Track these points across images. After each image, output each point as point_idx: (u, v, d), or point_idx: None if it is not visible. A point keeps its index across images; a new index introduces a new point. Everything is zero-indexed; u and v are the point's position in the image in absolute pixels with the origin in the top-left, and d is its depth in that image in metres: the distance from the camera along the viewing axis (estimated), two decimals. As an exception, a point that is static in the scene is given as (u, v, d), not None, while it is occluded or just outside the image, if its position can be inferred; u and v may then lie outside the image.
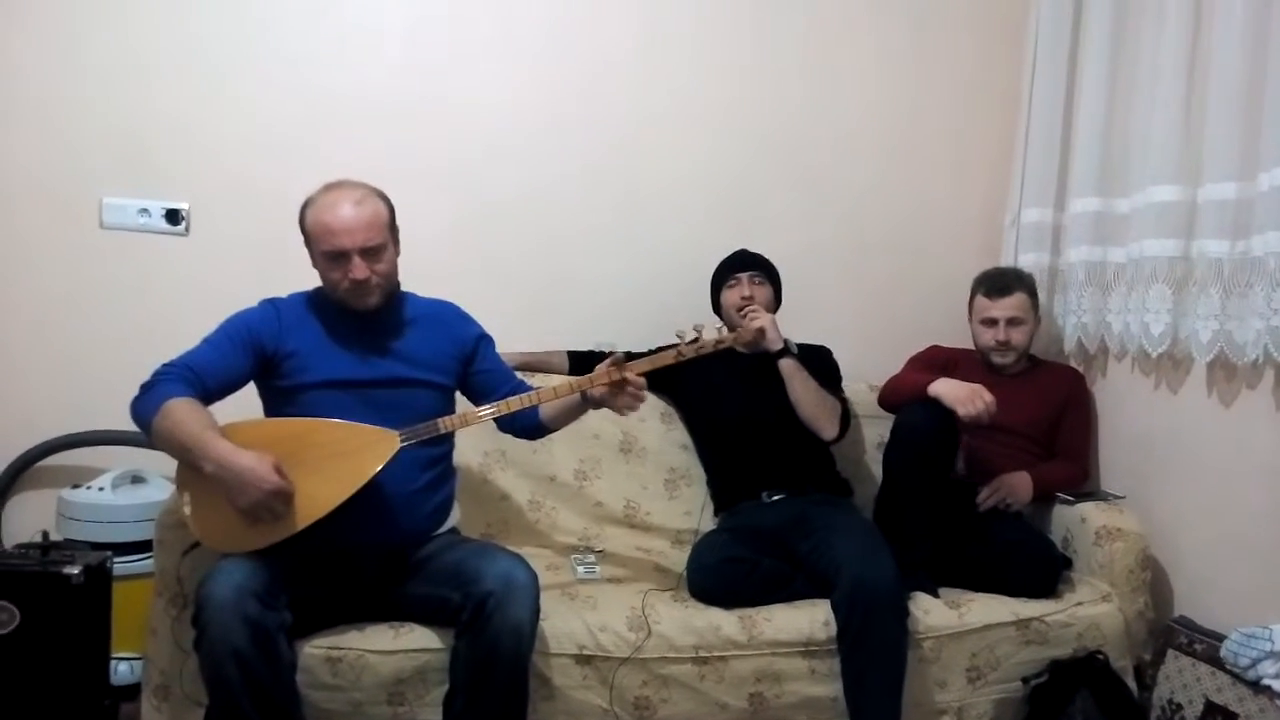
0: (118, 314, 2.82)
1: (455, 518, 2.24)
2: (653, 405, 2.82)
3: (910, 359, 2.81)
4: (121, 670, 2.46)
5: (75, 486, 2.63)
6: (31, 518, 2.70)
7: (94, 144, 2.78)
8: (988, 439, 2.63)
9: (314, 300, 2.17)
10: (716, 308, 2.78)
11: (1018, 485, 2.60)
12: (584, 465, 2.77)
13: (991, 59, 3.18)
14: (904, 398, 2.54)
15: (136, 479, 2.68)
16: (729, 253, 2.80)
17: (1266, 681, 2.09)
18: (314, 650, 2.00)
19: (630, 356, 2.14)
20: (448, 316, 2.29)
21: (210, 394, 2.00)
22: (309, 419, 2.04)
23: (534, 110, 2.98)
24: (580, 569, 2.46)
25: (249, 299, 2.17)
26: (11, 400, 2.79)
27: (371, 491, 1.98)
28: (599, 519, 2.74)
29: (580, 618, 2.15)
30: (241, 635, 1.77)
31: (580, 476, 2.77)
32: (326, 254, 2.06)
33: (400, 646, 2.03)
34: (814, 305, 3.00)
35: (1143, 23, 2.64)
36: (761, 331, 2.59)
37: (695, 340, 2.18)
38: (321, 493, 1.93)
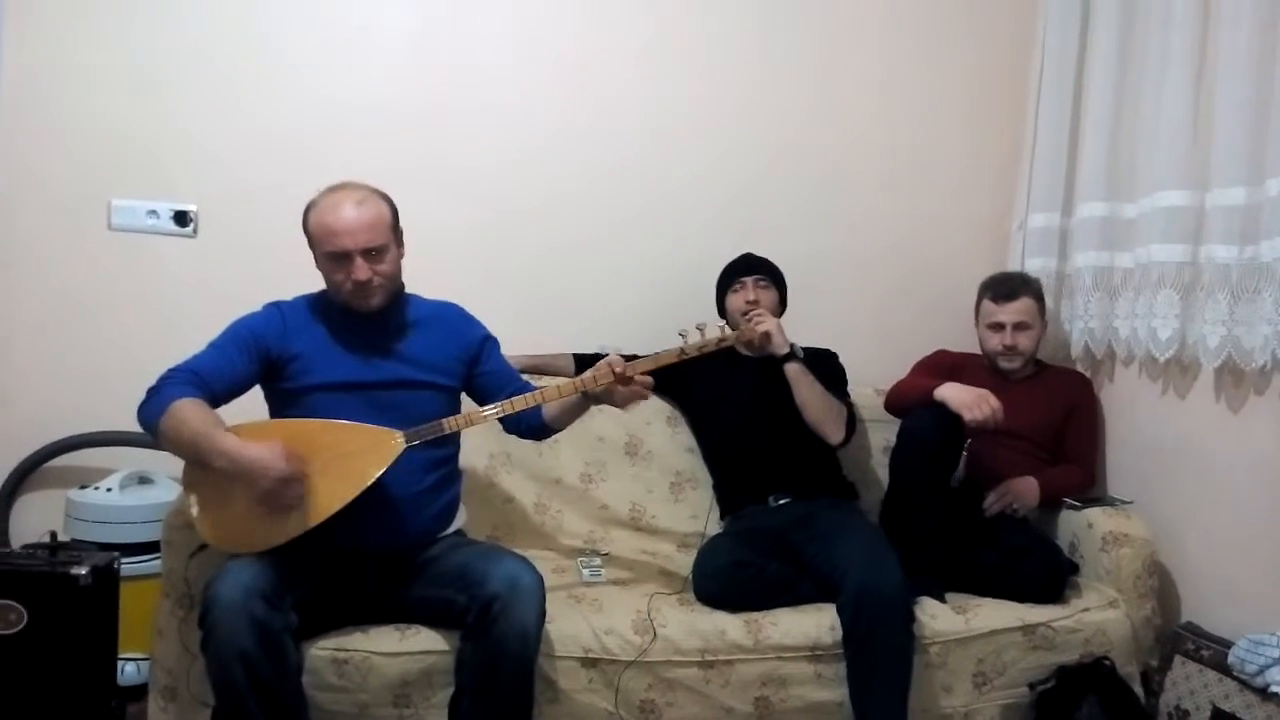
0: (125, 315, 2.83)
1: (461, 519, 2.24)
2: (658, 408, 2.82)
3: (917, 364, 2.81)
4: (128, 671, 2.47)
5: (83, 487, 2.64)
6: (39, 518, 2.71)
7: (102, 146, 2.79)
8: (994, 444, 2.62)
9: (319, 303, 2.18)
10: (722, 312, 2.78)
11: (1024, 490, 2.60)
12: (590, 468, 2.77)
13: (999, 64, 3.18)
14: (910, 402, 2.54)
15: (144, 480, 2.69)
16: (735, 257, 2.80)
17: (1274, 688, 2.08)
18: (320, 652, 2.00)
19: (632, 359, 2.14)
20: (452, 318, 2.30)
21: (216, 397, 2.01)
22: (314, 420, 2.05)
23: (542, 117, 2.98)
24: (586, 572, 2.46)
25: (256, 300, 2.18)
26: (20, 401, 2.80)
27: (377, 493, 1.98)
28: (605, 522, 2.74)
29: (586, 621, 2.16)
30: (248, 637, 1.78)
31: (586, 479, 2.77)
32: (329, 255, 2.06)
33: (406, 648, 2.03)
34: (820, 309, 2.99)
35: (1150, 28, 2.64)
36: (767, 335, 2.59)
37: (698, 339, 2.18)
38: (327, 494, 1.93)
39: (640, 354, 2.24)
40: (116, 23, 2.77)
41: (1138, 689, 2.34)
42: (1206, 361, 2.38)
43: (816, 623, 2.21)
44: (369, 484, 1.95)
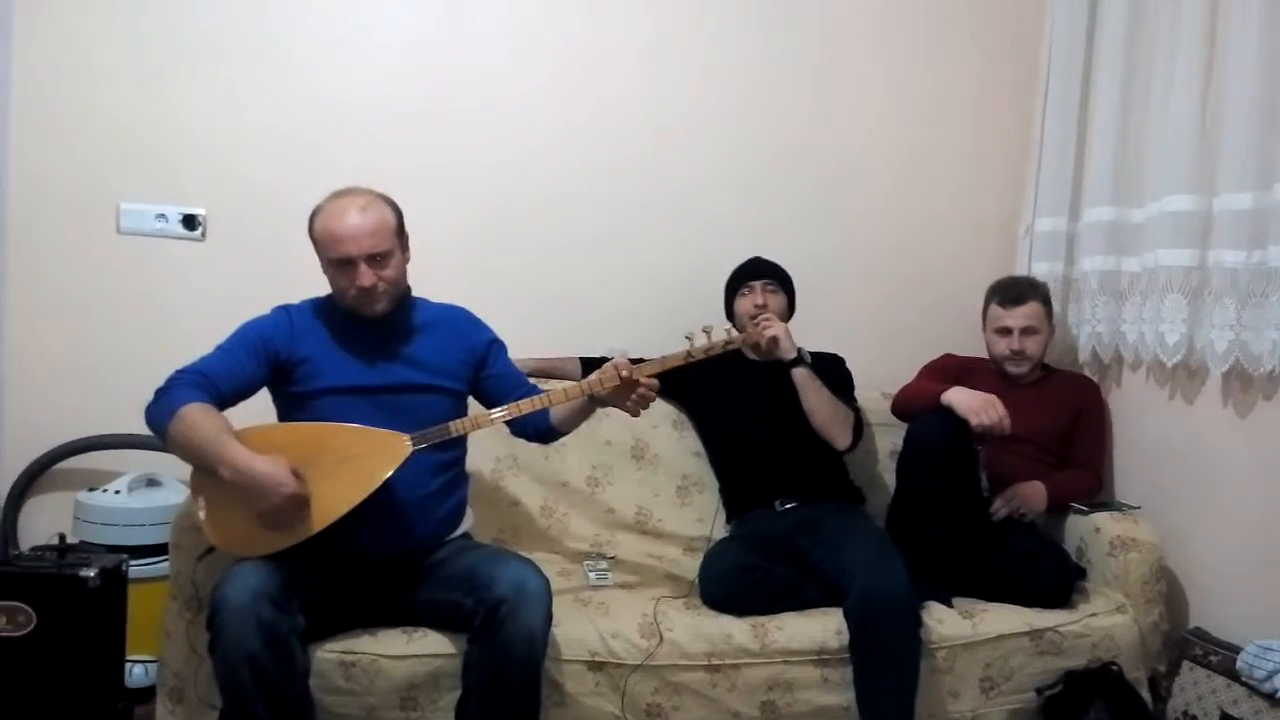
0: (134, 318, 2.84)
1: (469, 523, 2.25)
2: (665, 412, 2.82)
3: (924, 367, 2.80)
4: (136, 673, 2.47)
5: (91, 489, 2.65)
6: (48, 520, 2.72)
7: (111, 149, 2.80)
8: (1002, 448, 2.61)
9: (326, 306, 2.18)
10: (730, 315, 2.78)
11: (1032, 495, 2.60)
12: (596, 471, 2.78)
13: (1006, 67, 3.17)
14: (917, 407, 2.54)
15: (152, 482, 2.70)
16: (743, 260, 2.80)
17: (1283, 694, 2.08)
18: (327, 654, 2.01)
19: (638, 363, 2.14)
20: (459, 321, 2.30)
21: (224, 400, 2.02)
22: (322, 424, 2.05)
23: (548, 118, 2.99)
24: (592, 575, 2.47)
25: (264, 304, 2.19)
26: (28, 403, 2.81)
27: (384, 496, 1.99)
28: (611, 525, 2.74)
29: (592, 624, 2.16)
30: (256, 639, 1.78)
31: (592, 483, 2.77)
32: (333, 261, 2.07)
33: (413, 651, 2.04)
34: (828, 313, 3.00)
35: (1157, 31, 2.63)
36: (775, 340, 2.59)
37: (704, 341, 2.18)
38: (335, 497, 1.93)
39: (646, 357, 2.24)
40: (124, 26, 2.78)
41: (1145, 694, 2.33)
42: (1214, 366, 2.37)
43: (823, 627, 2.20)
44: (376, 487, 1.96)
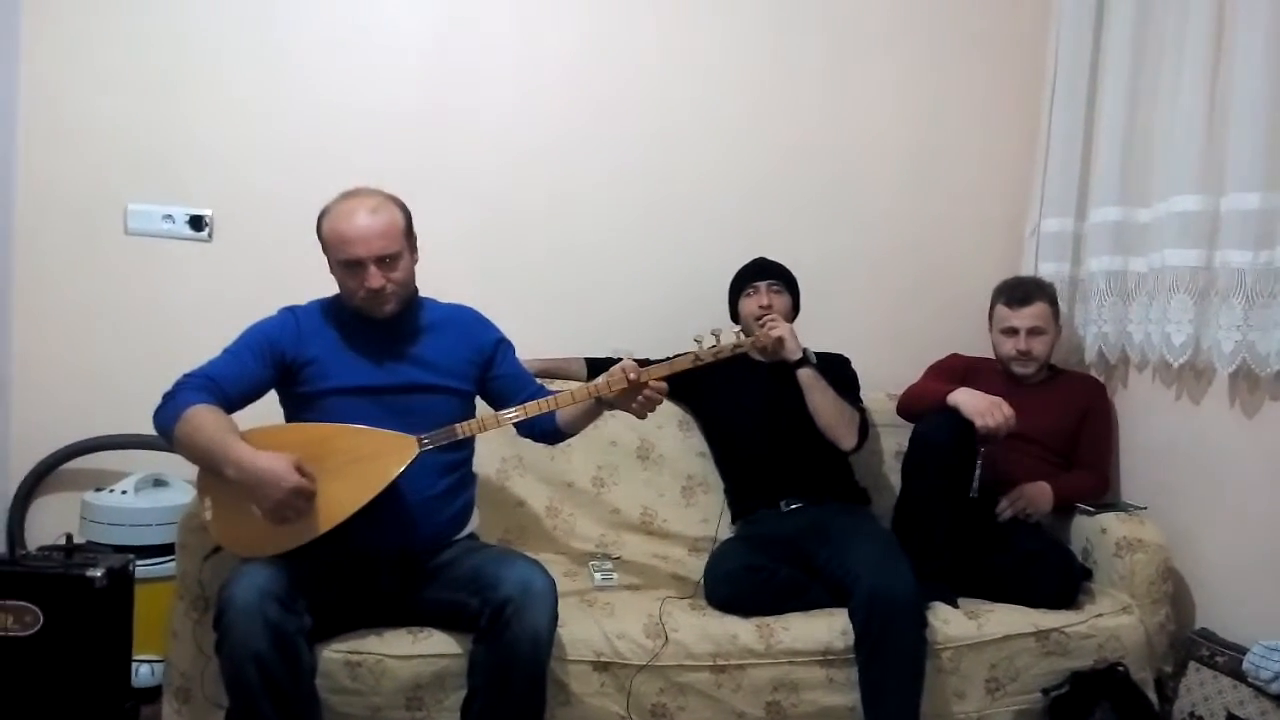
0: (141, 318, 2.84)
1: (475, 523, 2.25)
2: (670, 413, 2.82)
3: (930, 367, 2.80)
4: (143, 673, 2.48)
5: (98, 490, 2.65)
6: (55, 520, 2.72)
7: (119, 151, 2.81)
8: (1008, 449, 2.61)
9: (333, 307, 2.19)
10: (735, 316, 2.78)
11: (1038, 495, 2.59)
12: (601, 472, 2.78)
13: (1012, 67, 3.17)
14: (923, 407, 2.54)
15: (159, 482, 2.70)
16: (748, 261, 2.80)
17: (1289, 695, 2.07)
18: (333, 654, 2.01)
19: (646, 363, 2.14)
20: (466, 321, 2.30)
21: (231, 402, 2.02)
22: (329, 424, 2.06)
23: (555, 121, 2.99)
24: (598, 576, 2.47)
25: (271, 304, 2.19)
26: (35, 404, 2.82)
27: (391, 496, 1.99)
28: (616, 526, 2.75)
29: (598, 625, 2.16)
30: (262, 639, 1.78)
31: (597, 483, 2.77)
32: (342, 263, 2.07)
33: (419, 651, 2.04)
34: (833, 314, 3.00)
35: (1164, 30, 2.63)
36: (780, 341, 2.58)
37: (713, 345, 2.18)
38: (342, 497, 1.94)
39: (651, 357, 2.25)
40: (130, 29, 2.79)
41: (1151, 695, 2.33)
42: (1221, 366, 2.37)
43: (828, 627, 2.20)
44: (384, 488, 1.96)
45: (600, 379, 2.10)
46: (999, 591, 2.38)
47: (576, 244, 3.02)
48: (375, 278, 2.05)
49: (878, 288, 3.16)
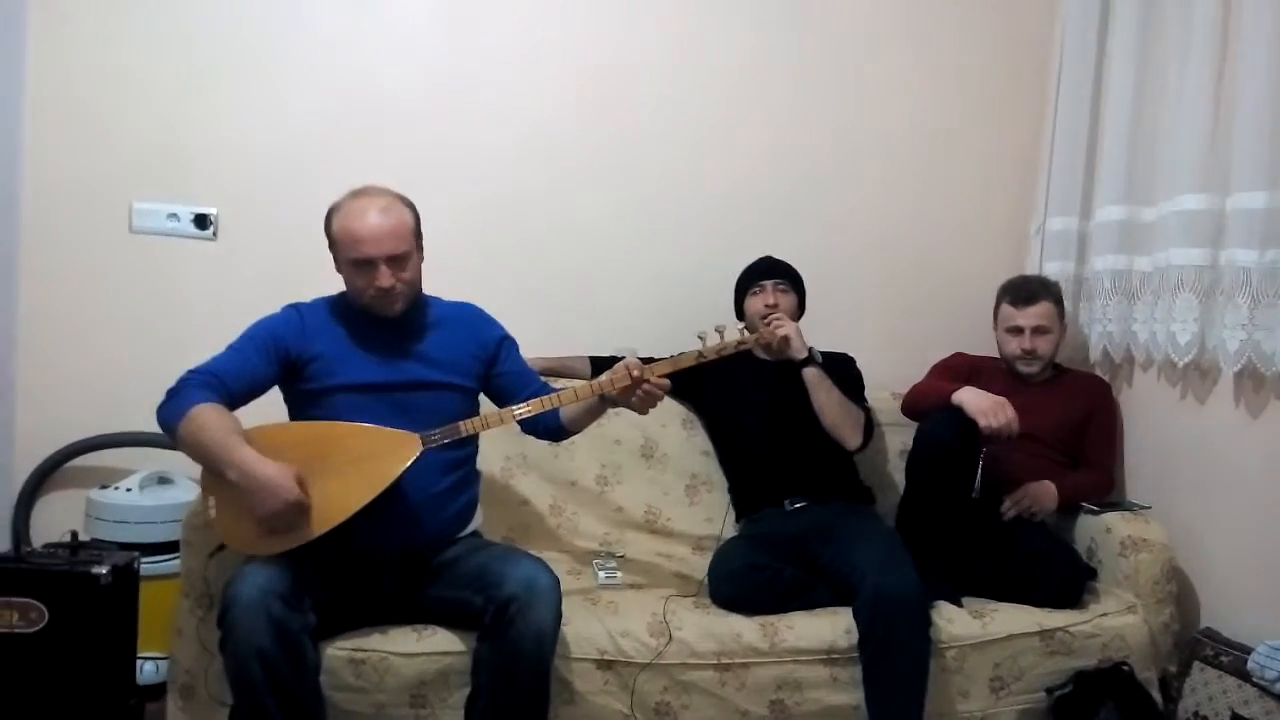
0: (145, 316, 2.85)
1: (478, 521, 2.25)
2: (674, 411, 2.82)
3: (934, 366, 2.80)
4: (147, 670, 2.49)
5: (103, 487, 2.66)
6: (60, 518, 2.73)
7: (124, 149, 2.82)
8: (1012, 448, 2.60)
9: (338, 304, 2.19)
10: (740, 314, 2.78)
11: (1042, 494, 2.59)
12: (605, 470, 2.78)
13: (1017, 67, 3.17)
14: (928, 406, 2.54)
15: (164, 480, 2.71)
16: (754, 259, 2.80)
17: (1294, 695, 2.07)
18: (337, 652, 2.01)
19: (649, 361, 2.14)
20: (470, 318, 2.30)
21: (235, 399, 2.02)
22: (333, 422, 2.06)
23: (561, 118, 2.99)
24: (602, 574, 2.47)
25: (275, 302, 2.19)
26: (41, 401, 2.83)
27: (395, 494, 1.99)
28: (620, 524, 2.74)
29: (602, 623, 2.16)
30: (266, 636, 1.79)
31: (601, 481, 2.77)
32: (353, 262, 2.07)
33: (423, 649, 2.04)
34: (838, 313, 2.99)
35: (1170, 30, 2.62)
36: (785, 340, 2.58)
37: (717, 342, 2.18)
38: (345, 496, 1.94)
39: (656, 355, 2.24)
40: (136, 27, 2.80)
41: (1156, 695, 2.32)
42: (1226, 366, 2.36)
43: (832, 626, 2.20)
44: (388, 486, 1.96)
45: (604, 376, 2.10)
46: (1003, 591, 2.38)
47: (581, 243, 3.02)
48: (385, 277, 2.06)
49: (883, 287, 3.16)
